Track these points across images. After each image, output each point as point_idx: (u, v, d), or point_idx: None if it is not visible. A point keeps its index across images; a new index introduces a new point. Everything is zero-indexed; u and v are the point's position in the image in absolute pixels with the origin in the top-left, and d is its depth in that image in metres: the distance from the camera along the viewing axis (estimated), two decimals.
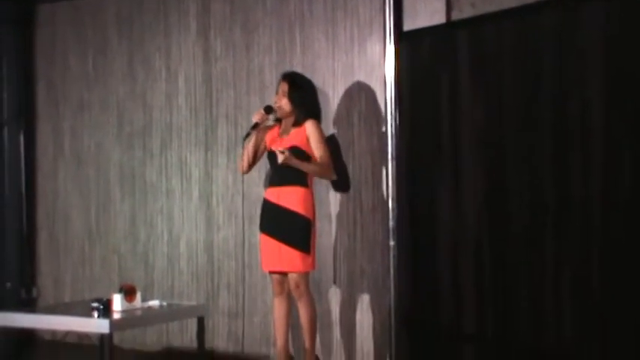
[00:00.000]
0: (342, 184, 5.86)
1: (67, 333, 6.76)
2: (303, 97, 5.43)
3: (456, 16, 5.21)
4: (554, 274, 4.12)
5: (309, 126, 5.37)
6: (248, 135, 5.48)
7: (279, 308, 5.51)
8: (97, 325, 4.61)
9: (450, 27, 5.16)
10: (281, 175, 5.39)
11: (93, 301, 4.79)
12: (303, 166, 5.32)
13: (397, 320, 4.47)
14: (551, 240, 4.15)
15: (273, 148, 5.39)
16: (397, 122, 5.19)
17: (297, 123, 5.40)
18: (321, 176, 5.50)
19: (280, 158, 5.26)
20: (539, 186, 4.22)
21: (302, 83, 5.49)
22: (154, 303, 5.14)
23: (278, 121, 5.54)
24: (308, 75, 5.77)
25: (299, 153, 5.33)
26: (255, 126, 5.45)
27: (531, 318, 4.20)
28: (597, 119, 3.97)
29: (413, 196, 4.72)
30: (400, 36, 5.32)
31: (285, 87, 5.44)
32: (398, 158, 4.80)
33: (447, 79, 4.71)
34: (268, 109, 5.47)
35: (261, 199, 5.64)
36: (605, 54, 3.95)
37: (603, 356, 3.94)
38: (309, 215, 5.35)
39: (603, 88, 3.95)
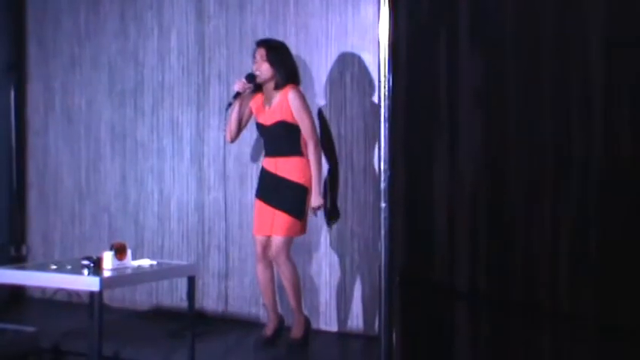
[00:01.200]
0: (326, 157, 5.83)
1: (57, 291, 6.78)
2: (282, 59, 5.42)
3: None
4: (550, 232, 4.15)
5: (291, 96, 5.35)
6: (230, 105, 5.47)
7: (263, 274, 5.53)
8: (88, 282, 4.60)
9: None
10: (276, 145, 5.41)
11: (83, 259, 4.78)
12: (317, 179, 5.39)
13: (387, 282, 4.48)
14: (548, 198, 4.17)
15: (260, 133, 5.41)
16: (390, 84, 5.17)
17: (279, 86, 5.38)
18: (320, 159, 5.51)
19: (316, 213, 5.47)
20: (538, 144, 4.24)
21: (278, 46, 5.49)
22: (145, 262, 5.14)
23: (259, 88, 5.50)
24: (301, 36, 5.74)
25: (286, 127, 5.34)
26: (237, 95, 5.44)
27: (526, 276, 4.24)
28: (598, 75, 3.98)
29: (409, 156, 4.72)
30: None
31: (262, 52, 5.43)
32: (390, 120, 4.78)
33: (445, 37, 4.69)
34: (250, 77, 5.45)
35: (252, 161, 5.64)
36: (608, 7, 3.95)
37: (597, 314, 3.97)
38: (306, 183, 5.39)
39: (604, 41, 3.95)
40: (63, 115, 7.21)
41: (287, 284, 5.43)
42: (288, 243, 5.41)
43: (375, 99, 5.57)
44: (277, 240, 5.37)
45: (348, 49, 5.88)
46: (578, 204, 4.04)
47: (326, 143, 5.79)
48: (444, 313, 4.47)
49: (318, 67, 5.90)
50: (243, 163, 6.21)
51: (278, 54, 5.43)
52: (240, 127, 5.57)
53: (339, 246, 5.92)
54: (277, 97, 5.40)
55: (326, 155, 5.75)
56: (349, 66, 5.88)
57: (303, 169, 5.39)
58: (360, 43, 5.82)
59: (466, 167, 4.52)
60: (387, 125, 4.80)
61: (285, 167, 5.37)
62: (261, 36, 6.19)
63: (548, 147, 4.19)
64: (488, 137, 4.46)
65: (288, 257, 5.41)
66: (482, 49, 4.49)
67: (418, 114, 4.79)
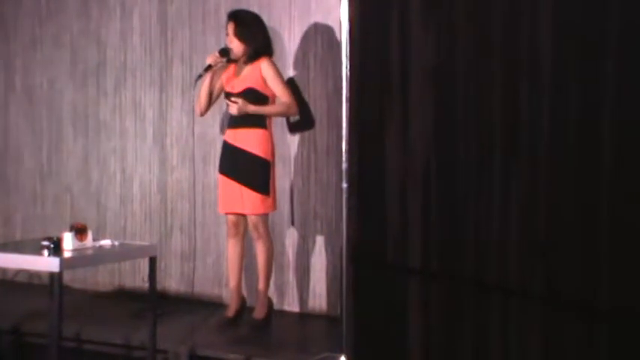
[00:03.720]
0: (303, 122, 5.84)
1: (18, 272, 6.73)
2: (252, 32, 5.39)
3: None
4: (500, 210, 4.19)
5: (264, 65, 5.34)
6: (200, 77, 5.44)
7: (233, 250, 5.52)
8: (47, 263, 4.58)
9: None
10: (239, 116, 5.36)
11: (43, 240, 4.75)
12: (263, 110, 5.31)
13: (348, 262, 4.51)
14: (499, 175, 4.21)
15: (226, 98, 5.37)
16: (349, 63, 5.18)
17: (250, 59, 5.36)
18: (283, 115, 5.49)
19: (234, 109, 5.26)
20: (488, 122, 4.27)
21: (248, 19, 5.43)
22: (106, 242, 5.11)
23: (233, 61, 5.48)
24: (264, 16, 5.70)
25: (255, 94, 5.31)
26: (208, 68, 5.41)
27: (477, 252, 4.28)
28: (547, 53, 4.01)
29: (362, 135, 4.75)
30: None
31: (232, 27, 5.39)
32: (352, 100, 4.80)
33: (397, 16, 4.70)
34: (224, 52, 5.41)
35: (216, 141, 5.62)
36: None
37: (546, 290, 4.03)
38: (268, 157, 5.35)
39: (554, 20, 3.98)
40: (24, 95, 7.13)
41: (261, 260, 5.42)
42: (265, 219, 5.41)
43: (338, 79, 5.56)
44: (254, 219, 5.36)
45: (311, 29, 5.86)
46: (528, 182, 4.08)
47: (301, 109, 5.78)
48: (397, 290, 4.51)
49: (281, 47, 5.87)
50: (206, 144, 6.18)
51: (248, 28, 5.39)
52: (210, 101, 5.52)
53: (303, 226, 5.92)
54: (249, 67, 5.38)
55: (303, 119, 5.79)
56: (312, 46, 5.87)
57: (265, 141, 5.35)
58: (324, 22, 5.81)
59: (417, 145, 4.55)
60: (348, 105, 4.82)
61: (246, 139, 5.33)
62: (224, 17, 6.15)
63: (499, 125, 4.22)
64: (439, 115, 4.48)
65: (268, 234, 5.42)
66: (433, 26, 4.51)
67: (370, 91, 4.81)
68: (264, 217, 5.40)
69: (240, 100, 5.26)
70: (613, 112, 3.76)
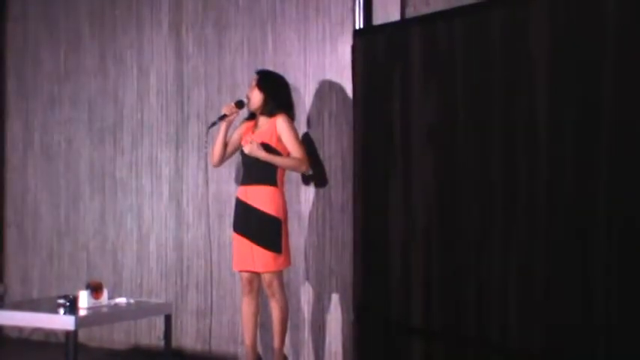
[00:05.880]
0: (318, 180, 5.87)
1: (34, 330, 6.73)
2: (274, 87, 5.45)
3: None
4: (500, 270, 4.18)
5: (280, 122, 5.38)
6: (214, 124, 5.49)
7: (247, 307, 5.51)
8: (63, 321, 4.60)
9: (403, 24, 5.21)
10: (251, 174, 5.39)
11: (59, 298, 4.77)
12: (274, 160, 5.32)
13: (357, 318, 4.50)
14: (498, 236, 4.20)
15: (242, 142, 5.41)
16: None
17: (268, 113, 5.40)
18: (293, 170, 5.49)
19: (247, 148, 5.28)
20: (487, 183, 4.27)
21: (273, 76, 5.56)
22: (121, 300, 5.13)
23: (253, 116, 5.54)
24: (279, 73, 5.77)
25: (268, 150, 5.34)
26: (223, 117, 5.47)
27: (477, 312, 4.26)
28: (544, 117, 4.03)
29: (367, 195, 4.76)
30: (355, 34, 5.36)
31: (256, 78, 5.47)
32: (357, 161, 4.85)
33: (399, 78, 4.74)
34: (240, 104, 5.49)
35: (232, 199, 5.64)
36: (553, 51, 4.00)
37: (546, 350, 3.98)
38: (279, 215, 5.35)
39: (550, 86, 4.00)
40: (42, 153, 7.21)
41: (276, 318, 5.40)
42: (279, 277, 5.39)
43: (352, 136, 5.59)
44: (267, 276, 5.35)
45: (326, 87, 5.91)
46: (527, 242, 4.06)
47: (315, 164, 5.79)
48: (399, 348, 4.49)
49: (297, 105, 5.92)
50: (222, 201, 6.21)
51: (271, 82, 5.46)
52: (224, 152, 5.56)
53: (318, 284, 5.91)
54: (266, 123, 5.42)
55: (317, 177, 5.81)
56: (327, 104, 5.91)
57: (275, 199, 5.35)
58: (338, 81, 5.86)
59: (419, 205, 4.54)
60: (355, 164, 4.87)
61: (257, 196, 5.35)
62: (239, 75, 6.25)
63: (498, 185, 4.22)
64: (440, 175, 4.48)
65: (282, 291, 5.40)
66: (434, 88, 4.53)
67: (374, 151, 4.82)
68: (278, 274, 5.39)
69: (255, 143, 5.29)
70: (610, 173, 3.72)
